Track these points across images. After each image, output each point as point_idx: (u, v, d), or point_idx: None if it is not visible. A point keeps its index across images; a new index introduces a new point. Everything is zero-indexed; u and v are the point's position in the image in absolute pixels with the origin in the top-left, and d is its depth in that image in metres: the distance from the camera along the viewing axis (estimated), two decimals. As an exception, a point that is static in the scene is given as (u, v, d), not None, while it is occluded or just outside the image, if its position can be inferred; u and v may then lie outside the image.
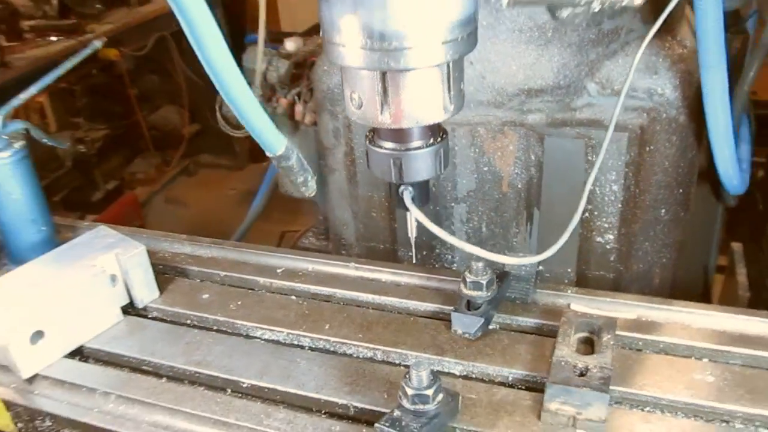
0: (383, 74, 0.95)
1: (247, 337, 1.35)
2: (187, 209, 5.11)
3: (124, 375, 1.29)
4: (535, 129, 1.70)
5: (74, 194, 4.56)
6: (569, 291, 1.35)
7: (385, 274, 1.46)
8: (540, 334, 1.26)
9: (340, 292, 1.43)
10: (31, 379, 1.29)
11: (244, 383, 1.22)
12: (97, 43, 1.61)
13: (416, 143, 1.05)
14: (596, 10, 0.76)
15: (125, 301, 1.43)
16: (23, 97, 1.46)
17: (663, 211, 1.76)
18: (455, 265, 1.97)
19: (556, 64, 1.62)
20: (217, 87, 1.01)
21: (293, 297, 1.44)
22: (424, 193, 1.13)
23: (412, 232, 1.14)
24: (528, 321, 1.29)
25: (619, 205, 1.74)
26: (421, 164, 1.06)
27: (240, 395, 1.21)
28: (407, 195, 1.08)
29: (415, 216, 1.09)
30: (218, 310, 1.40)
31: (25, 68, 3.84)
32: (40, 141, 1.54)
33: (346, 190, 2.02)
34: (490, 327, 1.28)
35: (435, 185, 1.85)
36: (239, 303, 1.42)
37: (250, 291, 1.48)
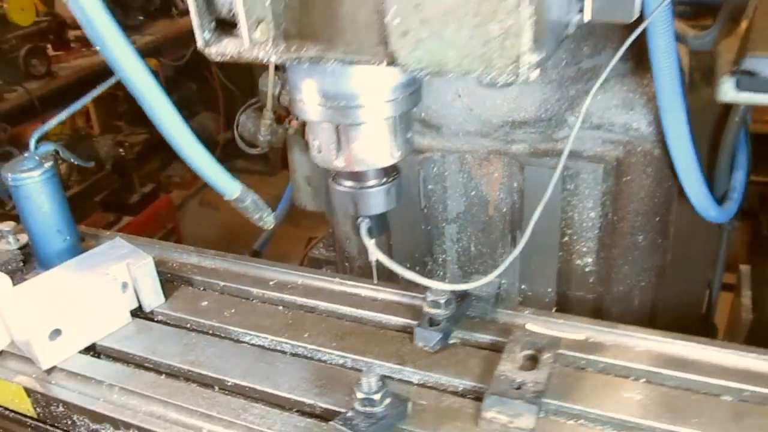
0: (337, 126, 1.10)
1: (237, 341, 1.48)
2: (220, 213, 5.28)
3: (128, 370, 1.44)
4: (519, 158, 1.82)
5: (112, 196, 4.76)
6: (526, 311, 1.45)
7: (364, 290, 1.58)
8: (493, 350, 1.36)
9: (322, 304, 1.55)
10: (50, 371, 1.44)
11: (228, 382, 1.36)
12: (122, 73, 1.79)
13: (370, 182, 1.20)
14: (499, 86, 0.91)
15: (134, 305, 1.58)
16: (53, 123, 1.64)
17: (641, 237, 1.84)
18: (447, 280, 2.10)
19: (538, 99, 1.72)
20: (170, 144, 1.16)
21: (281, 307, 1.57)
22: (382, 224, 1.27)
23: (373, 256, 1.29)
24: (485, 337, 1.40)
25: (597, 231, 1.82)
26: (374, 200, 1.21)
27: (225, 392, 1.35)
28: (364, 226, 1.23)
29: (366, 244, 1.24)
30: (214, 317, 1.54)
31: (70, 77, 4.09)
32: (68, 161, 1.73)
33: (349, 207, 2.16)
34: (450, 341, 1.39)
35: (427, 206, 1.98)
36: (233, 311, 1.56)
37: (244, 300, 1.61)
